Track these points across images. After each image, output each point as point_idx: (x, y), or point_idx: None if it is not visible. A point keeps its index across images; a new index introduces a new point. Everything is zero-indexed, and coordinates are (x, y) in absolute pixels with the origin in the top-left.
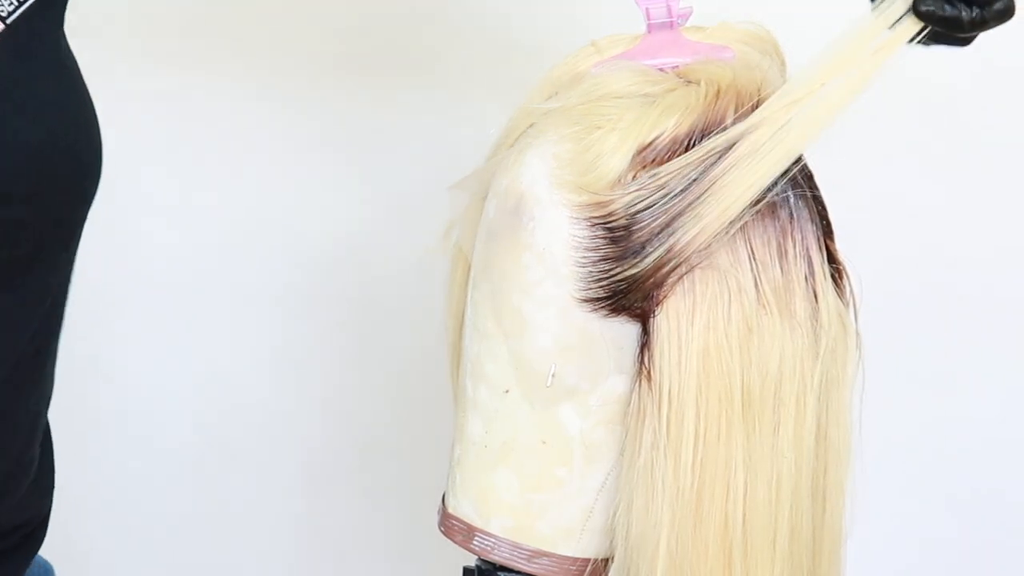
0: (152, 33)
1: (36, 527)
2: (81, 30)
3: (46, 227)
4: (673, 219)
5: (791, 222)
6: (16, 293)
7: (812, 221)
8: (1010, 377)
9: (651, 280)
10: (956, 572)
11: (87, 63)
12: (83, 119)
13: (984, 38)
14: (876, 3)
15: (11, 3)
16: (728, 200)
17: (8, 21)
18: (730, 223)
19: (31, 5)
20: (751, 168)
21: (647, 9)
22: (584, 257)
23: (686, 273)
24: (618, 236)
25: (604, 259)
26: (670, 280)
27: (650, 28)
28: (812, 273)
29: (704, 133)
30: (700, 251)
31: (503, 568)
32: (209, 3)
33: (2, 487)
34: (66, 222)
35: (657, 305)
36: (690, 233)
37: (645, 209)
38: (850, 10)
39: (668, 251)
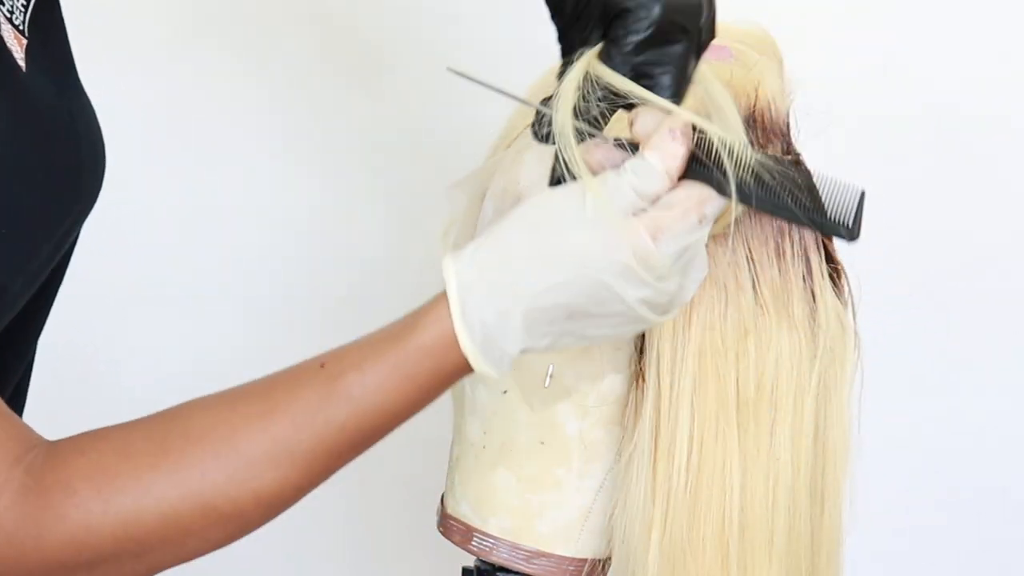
0: (150, 31)
1: None
2: (82, 27)
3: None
4: None
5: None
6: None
7: None
8: (1010, 375)
9: None
10: (957, 571)
11: (84, 60)
12: (97, 127)
13: (983, 44)
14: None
15: (20, 10)
16: None
17: (26, 33)
18: None
19: (34, 7)
20: None
21: None
22: None
23: None
24: None
25: None
26: None
27: None
28: (810, 273)
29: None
30: None
31: (502, 569)
32: (208, 2)
33: None
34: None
35: None
36: None
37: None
38: (847, 10)
39: None
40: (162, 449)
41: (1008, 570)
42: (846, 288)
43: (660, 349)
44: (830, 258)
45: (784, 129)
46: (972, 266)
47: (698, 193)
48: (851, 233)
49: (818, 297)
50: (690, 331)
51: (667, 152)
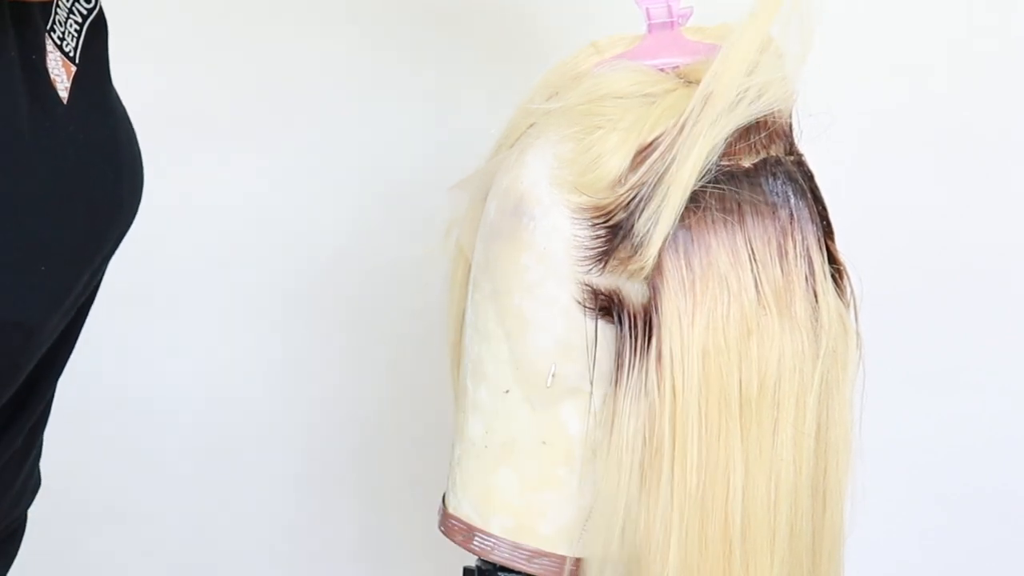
0: (149, 29)
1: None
2: None
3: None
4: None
5: (791, 222)
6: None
7: (812, 221)
8: (1011, 376)
9: (649, 276)
10: (957, 571)
11: None
12: (139, 155)
13: (991, 35)
14: None
15: (72, 36)
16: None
17: (77, 61)
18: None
19: (87, 34)
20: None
21: (647, 9)
22: (585, 257)
23: (685, 268)
24: (617, 236)
25: (604, 259)
26: (668, 275)
27: (650, 28)
28: (812, 273)
29: None
30: (694, 243)
31: (503, 568)
32: (205, 2)
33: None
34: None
35: (656, 305)
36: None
37: (643, 207)
38: (847, 9)
39: (661, 244)
40: None
41: (1009, 570)
42: (848, 288)
43: (663, 349)
44: (832, 258)
45: (786, 130)
46: (972, 266)
47: None
48: None
49: (820, 297)
50: (694, 331)
51: None
